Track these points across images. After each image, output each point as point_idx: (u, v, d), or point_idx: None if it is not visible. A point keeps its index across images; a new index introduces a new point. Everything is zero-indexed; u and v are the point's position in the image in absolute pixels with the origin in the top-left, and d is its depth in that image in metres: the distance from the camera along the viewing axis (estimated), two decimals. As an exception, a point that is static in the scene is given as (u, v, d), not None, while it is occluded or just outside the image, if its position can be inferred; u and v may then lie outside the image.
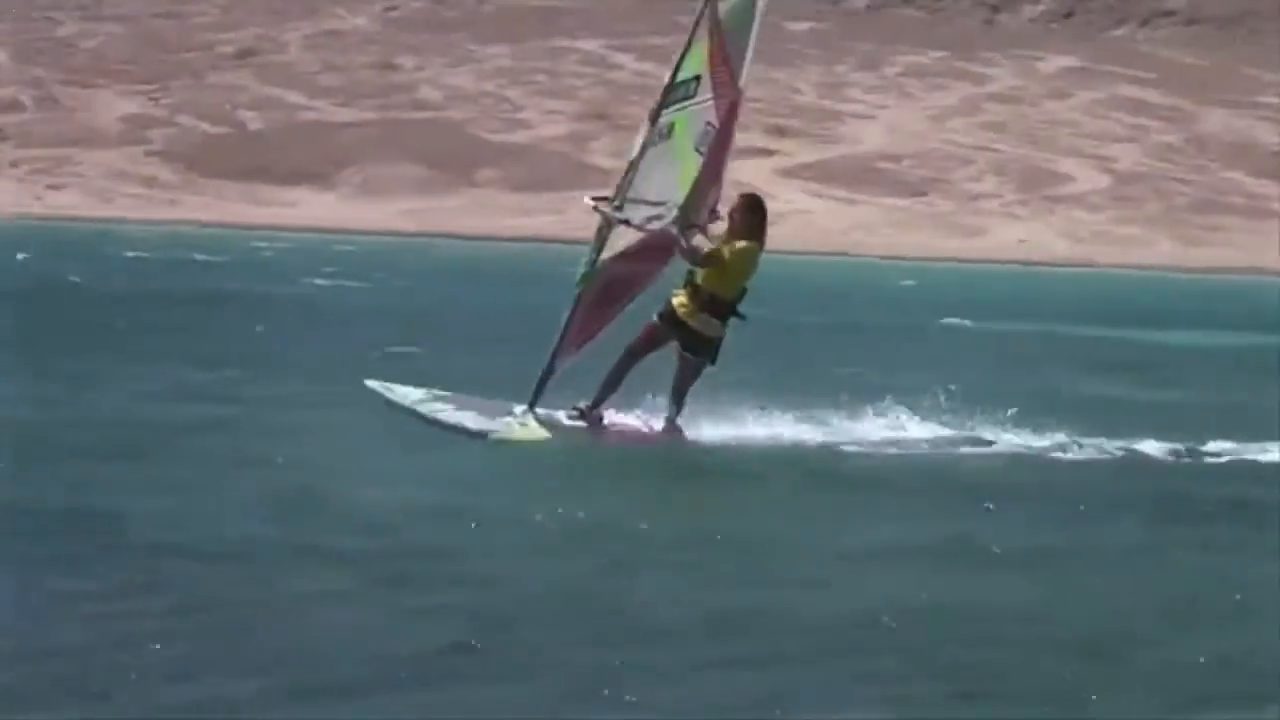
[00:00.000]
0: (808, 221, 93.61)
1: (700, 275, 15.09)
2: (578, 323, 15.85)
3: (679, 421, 15.59)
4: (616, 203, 15.68)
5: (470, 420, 15.72)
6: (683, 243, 15.19)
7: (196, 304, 32.83)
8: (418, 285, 45.54)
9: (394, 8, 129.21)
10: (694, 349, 15.21)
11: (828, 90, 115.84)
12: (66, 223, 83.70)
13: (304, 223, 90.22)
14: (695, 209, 15.52)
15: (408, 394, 16.45)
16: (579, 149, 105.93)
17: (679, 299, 15.13)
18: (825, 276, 59.83)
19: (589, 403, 15.49)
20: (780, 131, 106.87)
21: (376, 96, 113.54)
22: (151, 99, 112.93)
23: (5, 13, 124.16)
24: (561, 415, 15.64)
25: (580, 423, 15.56)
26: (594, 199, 15.98)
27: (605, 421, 15.71)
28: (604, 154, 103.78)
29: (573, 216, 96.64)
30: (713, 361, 15.32)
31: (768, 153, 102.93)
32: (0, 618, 9.07)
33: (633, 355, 15.35)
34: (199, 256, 55.03)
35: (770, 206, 15.96)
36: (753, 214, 15.30)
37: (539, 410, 15.61)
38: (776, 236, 16.52)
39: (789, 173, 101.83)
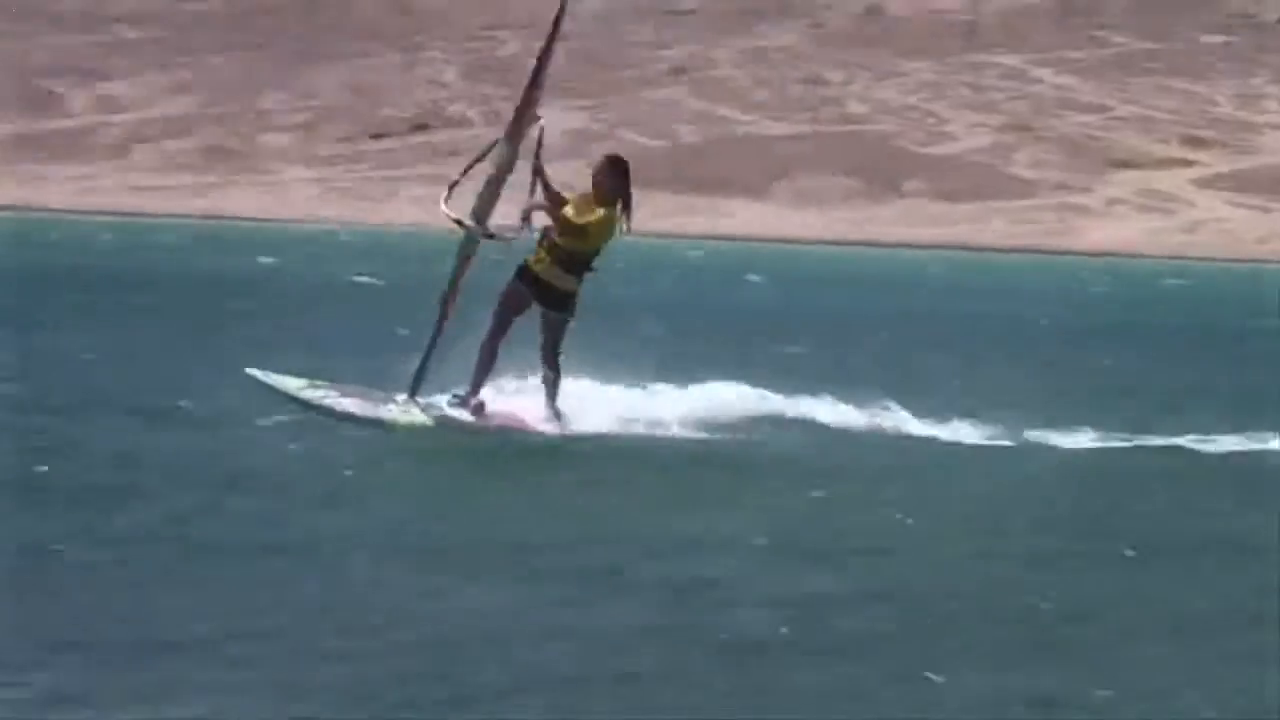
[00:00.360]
0: (1225, 230, 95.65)
1: (558, 236, 15.28)
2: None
3: (559, 386, 15.68)
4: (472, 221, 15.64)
5: (355, 408, 15.92)
6: (541, 200, 15.33)
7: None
8: (827, 290, 48.38)
9: (820, 25, 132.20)
10: (553, 304, 15.32)
11: (1244, 102, 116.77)
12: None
13: (739, 232, 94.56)
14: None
15: (286, 383, 16.39)
16: (1002, 160, 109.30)
17: (535, 257, 15.38)
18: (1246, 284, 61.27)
19: (469, 389, 15.60)
20: (1197, 143, 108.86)
21: (806, 110, 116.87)
22: (591, 114, 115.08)
23: (453, 32, 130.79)
24: (443, 402, 15.77)
25: (462, 410, 15.58)
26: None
27: (486, 408, 15.65)
28: (1025, 165, 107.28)
29: (996, 226, 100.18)
30: (571, 315, 15.42)
31: (1186, 163, 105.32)
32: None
33: (500, 326, 15.46)
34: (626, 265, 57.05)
35: (1189, 215, 16.84)
36: (616, 177, 15.43)
37: (419, 399, 15.75)
38: (1193, 245, 18.21)
39: (1206, 183, 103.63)
